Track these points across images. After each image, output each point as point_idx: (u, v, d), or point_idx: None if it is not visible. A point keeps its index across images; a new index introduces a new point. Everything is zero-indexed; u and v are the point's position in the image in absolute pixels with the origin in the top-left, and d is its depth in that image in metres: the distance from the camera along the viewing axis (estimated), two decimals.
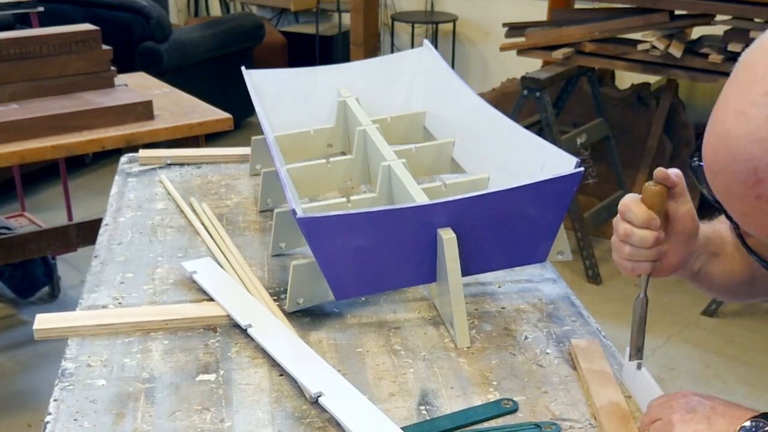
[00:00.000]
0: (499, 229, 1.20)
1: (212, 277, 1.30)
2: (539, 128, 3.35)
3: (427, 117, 1.64)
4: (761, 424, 0.87)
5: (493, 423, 1.01)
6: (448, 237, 1.15)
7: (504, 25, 3.68)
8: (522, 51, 3.54)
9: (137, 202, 1.60)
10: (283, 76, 1.72)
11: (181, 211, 1.55)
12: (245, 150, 1.77)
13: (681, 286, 3.23)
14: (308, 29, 5.85)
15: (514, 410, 1.03)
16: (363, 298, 1.27)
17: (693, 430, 0.90)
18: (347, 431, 0.98)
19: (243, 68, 1.68)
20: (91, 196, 3.95)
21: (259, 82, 1.66)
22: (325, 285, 1.19)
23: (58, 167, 3.50)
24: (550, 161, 1.25)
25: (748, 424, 0.88)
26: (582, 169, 1.18)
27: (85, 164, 4.45)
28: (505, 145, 1.38)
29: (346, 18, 5.39)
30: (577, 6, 4.07)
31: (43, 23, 3.03)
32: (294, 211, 1.13)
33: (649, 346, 2.98)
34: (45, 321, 1.19)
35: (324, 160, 1.46)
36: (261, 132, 1.53)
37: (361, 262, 1.16)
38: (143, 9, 4.30)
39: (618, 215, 1.04)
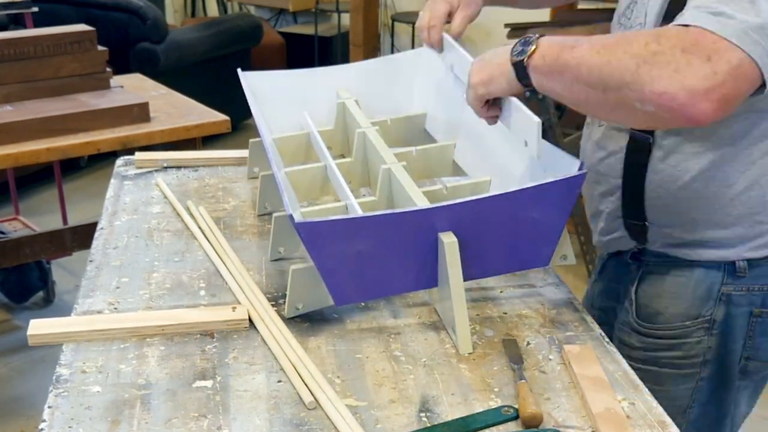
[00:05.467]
0: (501, 233, 1.18)
1: None
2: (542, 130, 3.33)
3: (428, 119, 1.62)
4: (529, 39, 1.15)
5: (494, 430, 1.00)
6: (449, 241, 1.13)
7: (506, 25, 3.66)
8: None
9: (133, 205, 1.58)
10: (280, 77, 1.70)
11: (178, 214, 1.54)
12: (243, 153, 1.75)
13: None
14: (307, 30, 5.84)
15: (515, 417, 1.02)
16: (363, 303, 1.26)
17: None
18: None
19: (239, 70, 1.66)
20: (87, 200, 3.93)
21: (255, 84, 1.64)
22: (324, 290, 1.17)
23: (52, 170, 3.48)
24: (552, 163, 1.23)
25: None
26: (585, 171, 1.17)
27: (81, 167, 4.44)
28: (507, 148, 1.37)
29: (346, 18, 5.37)
30: (580, 6, 4.05)
31: (37, 24, 3.02)
32: (291, 217, 1.11)
33: None
34: (39, 326, 1.18)
35: (322, 163, 1.44)
36: (259, 134, 1.52)
37: (361, 267, 1.15)
38: (139, 9, 4.29)
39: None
